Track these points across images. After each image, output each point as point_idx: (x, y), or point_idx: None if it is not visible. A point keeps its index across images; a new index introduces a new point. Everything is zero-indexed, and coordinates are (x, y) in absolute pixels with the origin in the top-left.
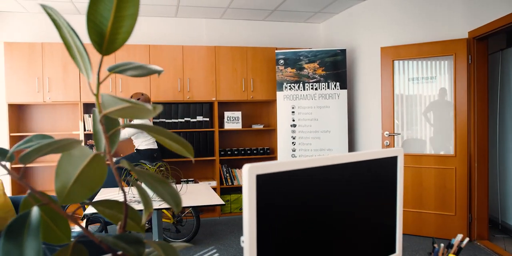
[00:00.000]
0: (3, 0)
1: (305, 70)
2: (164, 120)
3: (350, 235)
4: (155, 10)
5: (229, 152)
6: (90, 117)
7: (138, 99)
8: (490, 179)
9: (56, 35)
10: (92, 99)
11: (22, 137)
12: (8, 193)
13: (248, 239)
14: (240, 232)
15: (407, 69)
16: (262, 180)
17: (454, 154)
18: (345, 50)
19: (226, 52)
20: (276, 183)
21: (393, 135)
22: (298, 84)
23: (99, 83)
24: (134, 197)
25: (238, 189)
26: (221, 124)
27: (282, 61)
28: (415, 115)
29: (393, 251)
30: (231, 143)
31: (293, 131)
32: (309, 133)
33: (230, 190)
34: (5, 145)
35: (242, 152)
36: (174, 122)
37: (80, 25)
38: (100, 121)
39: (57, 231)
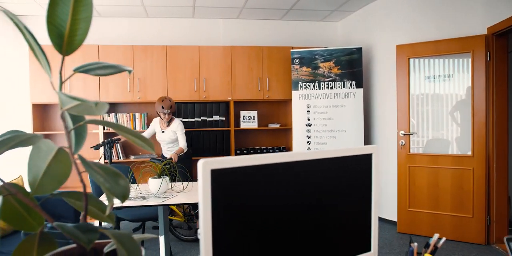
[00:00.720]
0: (26, 5)
1: (320, 69)
2: (181, 119)
3: (319, 232)
4: (172, 11)
5: (245, 151)
6: (109, 116)
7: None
8: (510, 180)
9: None
10: (111, 99)
11: (46, 135)
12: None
13: (203, 232)
14: None
15: (423, 67)
16: (217, 175)
17: (471, 154)
18: (361, 48)
19: (242, 51)
20: (233, 178)
21: (409, 135)
22: (313, 83)
23: (61, 82)
24: (141, 193)
25: None
26: (237, 123)
27: (297, 60)
28: (433, 114)
29: (368, 250)
30: (247, 142)
31: (309, 131)
32: (324, 132)
33: None
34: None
35: (258, 151)
36: (191, 121)
37: (99, 28)
38: (61, 116)
39: (30, 219)
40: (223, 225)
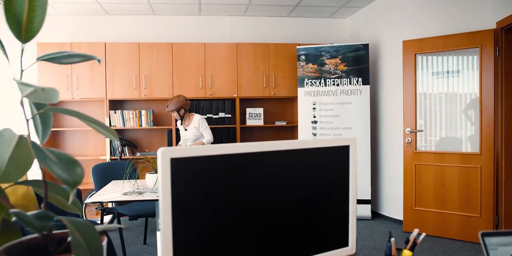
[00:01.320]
0: None
1: (326, 65)
2: None
3: (291, 226)
4: (179, 8)
5: None
6: (115, 113)
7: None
8: None
9: (84, 35)
10: (117, 96)
11: (54, 132)
12: None
13: (163, 222)
14: None
15: (430, 63)
16: (177, 164)
17: (479, 152)
18: (367, 44)
19: (248, 48)
20: (195, 168)
21: (415, 132)
22: (319, 80)
23: (22, 71)
24: (138, 188)
25: None
26: (243, 120)
27: (303, 57)
28: (440, 111)
29: (346, 245)
30: (253, 140)
31: (314, 128)
32: (330, 130)
33: None
34: (37, 140)
35: None
36: None
37: (106, 25)
38: (21, 103)
39: None
40: (183, 216)
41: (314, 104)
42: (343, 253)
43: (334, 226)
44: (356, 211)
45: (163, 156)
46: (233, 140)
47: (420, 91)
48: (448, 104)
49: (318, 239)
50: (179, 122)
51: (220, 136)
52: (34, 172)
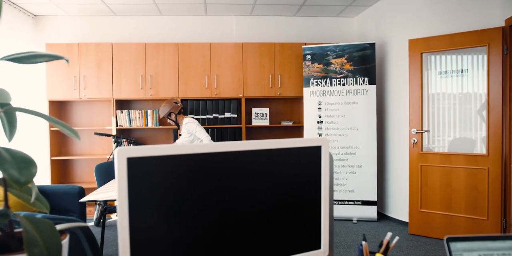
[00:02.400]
0: (45, 6)
1: (332, 65)
2: (193, 116)
3: (258, 227)
4: (185, 9)
5: None
6: (122, 113)
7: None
8: None
9: (91, 36)
10: (124, 96)
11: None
12: (48, 180)
13: (120, 223)
14: None
15: (437, 62)
16: (134, 164)
17: (486, 153)
18: (374, 44)
19: (254, 48)
20: (152, 167)
21: (421, 133)
22: (325, 80)
23: None
24: None
25: None
26: (249, 120)
27: (309, 57)
28: (448, 111)
29: (318, 247)
30: (259, 140)
31: (320, 128)
32: (336, 130)
33: None
34: (46, 139)
35: None
36: (203, 118)
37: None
38: None
39: None
40: (140, 215)
41: (319, 104)
42: (315, 255)
43: (305, 228)
44: (332, 213)
45: (120, 155)
46: (238, 140)
47: (427, 91)
48: (455, 104)
49: (288, 241)
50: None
51: (226, 136)
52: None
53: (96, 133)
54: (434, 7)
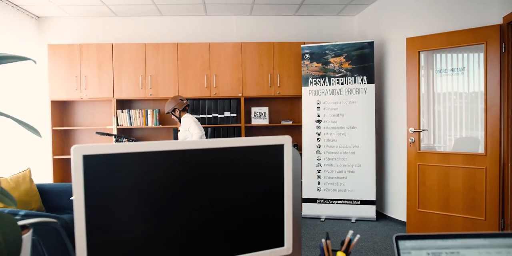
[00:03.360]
0: (47, 7)
1: (330, 64)
2: (193, 115)
3: (218, 225)
4: (185, 9)
5: None
6: (122, 112)
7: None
8: None
9: (92, 37)
10: (124, 96)
11: (64, 131)
12: (50, 179)
13: (77, 220)
14: None
15: (434, 61)
16: (90, 161)
17: (484, 152)
18: (372, 42)
19: (253, 48)
20: (108, 165)
21: (419, 132)
22: (323, 79)
23: None
24: None
25: None
26: (249, 120)
27: (307, 56)
28: (449, 110)
29: (281, 245)
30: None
31: (318, 127)
32: (334, 129)
33: None
34: (48, 138)
35: None
36: (202, 117)
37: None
38: None
39: None
40: (97, 213)
41: (318, 103)
42: (278, 253)
43: (268, 225)
44: (298, 211)
45: (75, 153)
46: None
47: (427, 90)
48: (454, 102)
49: (251, 238)
50: None
51: (225, 135)
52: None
53: (97, 133)
54: (432, 5)
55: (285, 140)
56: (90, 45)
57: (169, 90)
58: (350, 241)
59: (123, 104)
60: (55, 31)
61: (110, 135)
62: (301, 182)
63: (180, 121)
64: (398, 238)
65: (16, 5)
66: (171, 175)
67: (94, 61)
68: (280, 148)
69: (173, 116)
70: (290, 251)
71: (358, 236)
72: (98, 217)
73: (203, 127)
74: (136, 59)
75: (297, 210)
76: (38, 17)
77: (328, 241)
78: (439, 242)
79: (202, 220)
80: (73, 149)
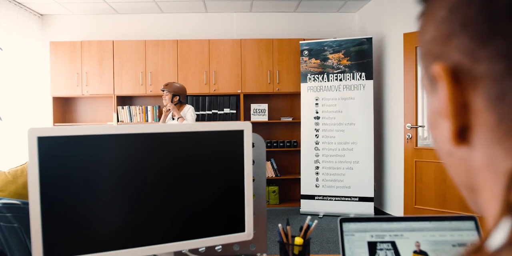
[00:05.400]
0: (49, 5)
1: (329, 60)
2: None
3: (176, 209)
4: (185, 6)
5: None
6: (123, 108)
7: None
8: None
9: (94, 34)
10: (125, 92)
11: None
12: None
13: (31, 201)
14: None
15: None
16: (45, 143)
17: None
18: (371, 38)
19: (252, 44)
20: (63, 147)
21: (416, 128)
22: (322, 75)
23: None
24: None
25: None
26: (248, 116)
27: (306, 52)
28: None
29: (242, 230)
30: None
31: (317, 124)
32: (333, 125)
33: None
34: None
35: (268, 144)
36: (202, 114)
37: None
38: None
39: None
40: (52, 195)
41: (316, 99)
42: (238, 238)
43: (228, 210)
44: (251, 197)
45: (30, 135)
46: None
47: (422, 85)
48: None
49: (211, 223)
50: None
51: None
52: None
53: None
54: None
55: (245, 126)
56: (91, 42)
57: None
58: (308, 227)
59: (124, 101)
60: (58, 29)
61: None
62: (299, 178)
63: (166, 105)
64: (343, 220)
65: (20, 3)
66: (127, 159)
67: (95, 58)
68: (240, 134)
69: (168, 97)
70: (251, 237)
71: (315, 221)
72: (53, 198)
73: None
74: (136, 56)
75: (262, 196)
76: (41, 14)
77: (288, 227)
78: (383, 225)
79: (161, 204)
80: (28, 131)
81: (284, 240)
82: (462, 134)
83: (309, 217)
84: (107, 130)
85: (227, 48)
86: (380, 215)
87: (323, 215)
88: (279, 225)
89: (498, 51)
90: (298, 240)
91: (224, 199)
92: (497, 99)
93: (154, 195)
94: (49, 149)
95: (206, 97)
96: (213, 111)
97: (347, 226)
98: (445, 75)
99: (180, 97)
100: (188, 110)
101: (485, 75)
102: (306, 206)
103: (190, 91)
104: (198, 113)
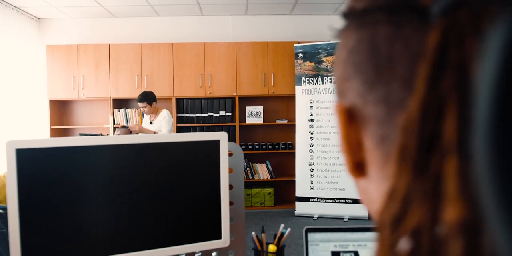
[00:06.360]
0: (45, 9)
1: (323, 63)
2: (188, 114)
3: (152, 219)
4: (181, 9)
5: (250, 147)
6: (119, 111)
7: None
8: None
9: (91, 37)
10: (120, 95)
11: (63, 129)
12: None
13: (10, 213)
14: (257, 227)
15: None
16: (24, 155)
17: None
18: None
19: (247, 47)
20: (42, 159)
21: None
22: (316, 78)
23: None
24: None
25: (259, 183)
26: (243, 119)
27: (301, 55)
28: None
29: (219, 237)
30: (254, 138)
31: (311, 126)
32: (327, 128)
33: (251, 184)
34: (47, 137)
35: (264, 146)
36: (198, 116)
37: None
38: None
39: None
40: (30, 207)
41: (311, 102)
42: (215, 245)
43: (205, 219)
44: (244, 205)
45: (9, 147)
46: (233, 138)
47: None
48: None
49: (188, 231)
50: (145, 116)
51: None
52: None
53: (81, 134)
54: None
55: (221, 136)
56: (88, 45)
57: (164, 89)
58: (282, 234)
59: (120, 104)
60: (55, 32)
61: (91, 135)
62: (294, 180)
63: (153, 113)
64: (308, 230)
65: (16, 7)
66: (104, 169)
67: (91, 61)
68: (216, 143)
69: (147, 108)
70: (227, 244)
71: (289, 229)
72: (31, 210)
73: (198, 126)
74: (132, 59)
75: (240, 203)
76: (38, 18)
77: (263, 234)
78: (348, 235)
79: (138, 213)
80: (6, 143)
81: (258, 247)
82: (360, 168)
83: (282, 225)
84: (83, 142)
85: (223, 51)
86: (347, 225)
87: (318, 217)
88: (253, 233)
89: (380, 96)
90: (272, 248)
91: (201, 207)
92: (381, 141)
93: (131, 204)
94: (28, 161)
95: (202, 100)
96: (208, 113)
97: (312, 236)
98: (341, 114)
99: (156, 103)
100: (164, 118)
101: (372, 118)
102: (301, 208)
103: (185, 94)
104: (193, 115)
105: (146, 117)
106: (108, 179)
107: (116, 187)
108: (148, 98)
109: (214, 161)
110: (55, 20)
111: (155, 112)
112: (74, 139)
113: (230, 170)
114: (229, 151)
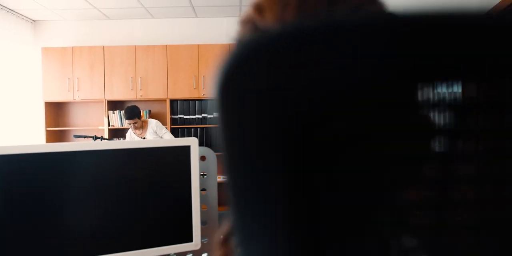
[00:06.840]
0: (40, 11)
1: None
2: (182, 116)
3: (122, 222)
4: (175, 12)
5: None
6: (114, 113)
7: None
8: None
9: (84, 39)
10: (115, 97)
11: (59, 131)
12: None
13: None
14: None
15: None
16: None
17: None
18: None
19: None
20: (7, 166)
21: None
22: None
23: None
24: None
25: None
26: None
27: None
28: None
29: (190, 240)
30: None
31: None
32: None
33: None
34: (42, 139)
35: None
36: (192, 118)
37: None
38: None
39: None
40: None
41: None
42: (187, 247)
43: (176, 222)
44: (199, 209)
45: None
46: None
47: None
48: None
49: (160, 234)
50: (128, 132)
51: (214, 135)
52: None
53: (75, 136)
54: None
55: (192, 142)
56: (82, 47)
57: (158, 91)
58: None
59: (115, 105)
60: (50, 34)
61: (85, 137)
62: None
63: (140, 129)
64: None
65: (12, 10)
66: (78, 174)
67: (86, 63)
68: (187, 149)
69: (138, 124)
70: (198, 246)
71: None
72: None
73: (192, 127)
74: (126, 61)
75: (213, 207)
76: (33, 21)
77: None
78: None
79: (110, 217)
80: None
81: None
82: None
83: None
84: (58, 148)
85: (216, 53)
86: None
87: None
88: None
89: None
90: None
91: (172, 211)
92: None
93: (102, 208)
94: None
95: (196, 102)
96: (202, 115)
97: None
98: None
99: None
100: (157, 127)
101: None
102: None
103: (179, 95)
104: (187, 117)
105: (133, 135)
106: (79, 184)
107: (87, 192)
108: (136, 113)
109: (185, 166)
110: (51, 23)
111: (143, 126)
112: (48, 146)
113: (203, 175)
114: (202, 155)
